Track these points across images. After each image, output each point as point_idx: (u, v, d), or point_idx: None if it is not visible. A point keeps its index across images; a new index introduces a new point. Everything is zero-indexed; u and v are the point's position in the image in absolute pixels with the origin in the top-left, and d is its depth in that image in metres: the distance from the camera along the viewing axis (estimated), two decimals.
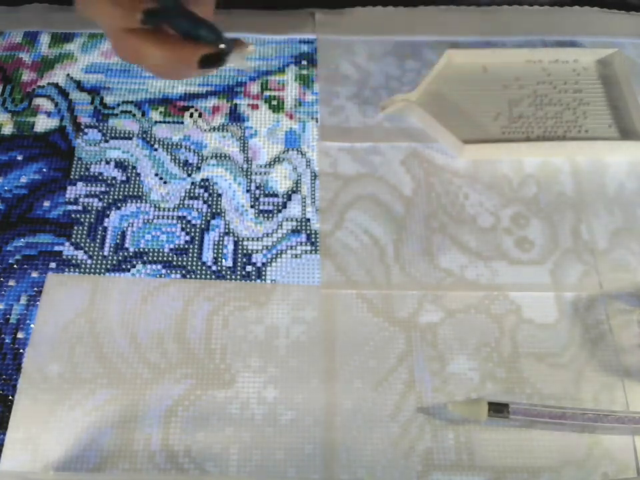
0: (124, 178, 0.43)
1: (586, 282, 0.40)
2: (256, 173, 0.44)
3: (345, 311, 0.39)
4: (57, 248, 0.40)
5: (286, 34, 0.49)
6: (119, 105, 0.46)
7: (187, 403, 0.36)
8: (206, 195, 0.43)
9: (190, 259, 0.40)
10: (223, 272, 0.40)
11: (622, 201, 0.43)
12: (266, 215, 0.42)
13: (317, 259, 0.41)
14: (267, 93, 0.47)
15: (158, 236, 0.41)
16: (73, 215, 0.42)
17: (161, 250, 0.41)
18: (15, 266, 0.40)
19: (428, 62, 0.48)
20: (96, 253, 0.40)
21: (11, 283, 0.39)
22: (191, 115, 0.46)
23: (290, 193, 0.43)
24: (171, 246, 0.41)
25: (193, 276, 0.40)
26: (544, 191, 0.43)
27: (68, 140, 0.44)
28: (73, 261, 0.40)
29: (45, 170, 0.43)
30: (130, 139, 0.45)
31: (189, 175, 0.43)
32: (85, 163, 0.44)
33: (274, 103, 0.47)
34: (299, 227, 0.42)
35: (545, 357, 0.38)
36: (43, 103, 0.46)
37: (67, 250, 0.40)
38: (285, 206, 0.42)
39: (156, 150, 0.44)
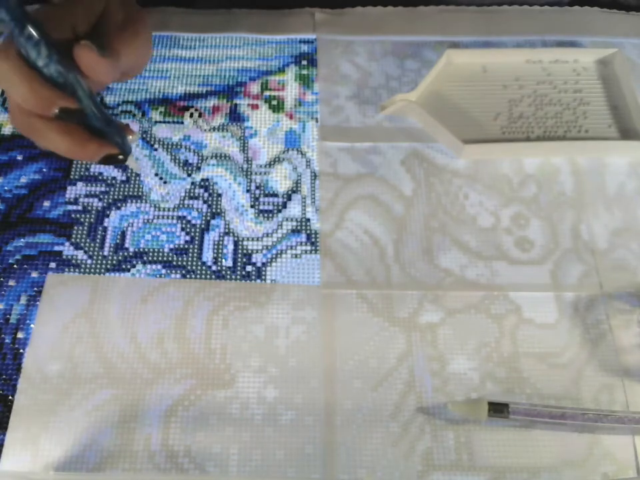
0: (124, 178, 0.43)
1: (586, 282, 0.40)
2: (256, 173, 0.44)
3: (345, 311, 0.39)
4: (56, 248, 0.40)
5: (286, 34, 0.49)
6: (119, 104, 0.46)
7: (187, 403, 0.36)
8: (206, 194, 0.43)
9: (190, 258, 0.40)
10: (223, 272, 0.40)
11: (622, 201, 0.43)
12: (266, 215, 0.42)
13: (316, 259, 0.41)
14: (267, 93, 0.47)
15: (158, 236, 0.41)
16: (73, 215, 0.42)
17: (161, 250, 0.41)
18: (15, 266, 0.40)
19: (428, 62, 0.48)
20: (96, 253, 0.40)
21: (11, 282, 0.39)
22: (191, 115, 0.46)
23: (290, 192, 0.43)
24: (171, 246, 0.41)
25: (193, 276, 0.40)
26: (544, 191, 0.43)
27: None
28: (73, 261, 0.40)
29: (45, 170, 0.43)
30: None
31: (189, 175, 0.43)
32: (84, 162, 0.44)
33: (274, 102, 0.47)
34: (298, 227, 0.42)
35: (545, 357, 0.38)
36: None
37: (67, 250, 0.40)
38: (285, 206, 0.42)
39: (156, 150, 0.44)
